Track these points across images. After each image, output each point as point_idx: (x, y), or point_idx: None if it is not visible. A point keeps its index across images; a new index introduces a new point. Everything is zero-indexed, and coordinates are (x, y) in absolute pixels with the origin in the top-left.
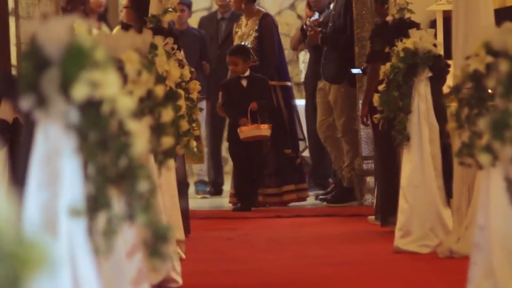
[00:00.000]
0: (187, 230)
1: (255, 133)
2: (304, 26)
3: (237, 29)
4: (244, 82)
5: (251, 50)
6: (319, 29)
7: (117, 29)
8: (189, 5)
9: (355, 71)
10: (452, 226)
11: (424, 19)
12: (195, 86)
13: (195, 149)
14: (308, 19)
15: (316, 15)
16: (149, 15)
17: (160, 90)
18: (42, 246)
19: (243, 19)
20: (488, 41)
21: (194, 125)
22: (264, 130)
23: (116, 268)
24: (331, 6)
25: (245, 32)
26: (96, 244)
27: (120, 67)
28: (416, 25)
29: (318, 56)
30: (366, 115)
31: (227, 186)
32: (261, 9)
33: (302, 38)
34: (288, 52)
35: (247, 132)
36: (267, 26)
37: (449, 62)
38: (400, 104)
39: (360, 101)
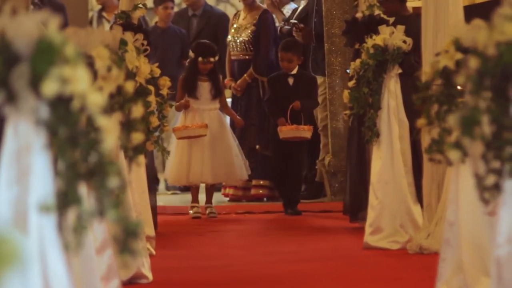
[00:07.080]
0: (155, 226)
1: (294, 134)
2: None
3: (233, 21)
4: (291, 80)
5: (246, 44)
6: (302, 25)
7: None
8: (173, 3)
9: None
10: (422, 222)
11: None
12: (165, 82)
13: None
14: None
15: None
16: (119, 11)
17: (130, 86)
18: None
19: (242, 12)
20: (457, 37)
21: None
22: (304, 131)
23: (86, 264)
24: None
25: (242, 25)
26: (66, 240)
27: (90, 63)
28: (386, 22)
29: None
30: None
31: None
32: (261, 5)
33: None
34: None
35: (286, 133)
36: (265, 21)
37: None
38: (370, 101)
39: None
